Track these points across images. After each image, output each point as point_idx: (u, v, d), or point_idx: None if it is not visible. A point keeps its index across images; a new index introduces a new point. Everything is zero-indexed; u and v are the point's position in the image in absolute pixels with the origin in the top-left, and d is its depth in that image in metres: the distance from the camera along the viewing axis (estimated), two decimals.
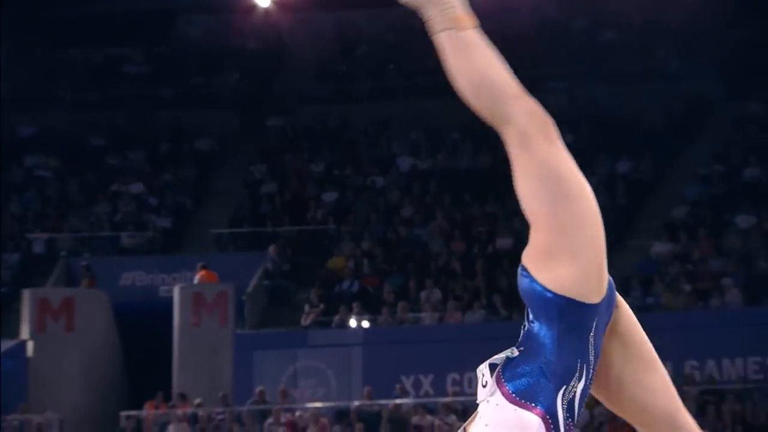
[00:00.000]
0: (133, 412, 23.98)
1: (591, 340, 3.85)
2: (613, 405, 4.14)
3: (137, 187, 29.28)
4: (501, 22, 29.34)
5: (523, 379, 3.83)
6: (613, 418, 22.45)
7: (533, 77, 29.28)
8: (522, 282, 3.96)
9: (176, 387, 24.59)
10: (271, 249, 26.76)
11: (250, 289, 25.96)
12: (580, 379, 3.81)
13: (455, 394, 23.93)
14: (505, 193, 27.60)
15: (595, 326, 3.87)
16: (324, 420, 23.33)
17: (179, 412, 23.78)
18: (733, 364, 22.96)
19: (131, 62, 32.02)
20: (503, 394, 3.80)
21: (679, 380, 22.89)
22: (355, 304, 25.29)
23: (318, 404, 24.06)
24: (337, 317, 25.28)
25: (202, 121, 30.16)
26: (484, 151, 28.91)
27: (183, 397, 24.17)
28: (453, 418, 23.21)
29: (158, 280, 27.11)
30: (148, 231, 28.37)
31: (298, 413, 23.63)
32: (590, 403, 18.36)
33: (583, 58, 29.39)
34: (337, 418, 23.51)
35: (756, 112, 27.51)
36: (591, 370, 3.85)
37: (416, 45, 30.27)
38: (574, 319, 3.84)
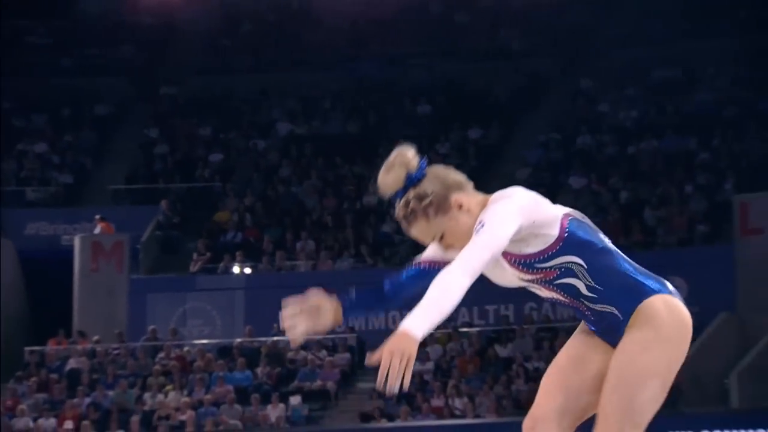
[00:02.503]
0: (36, 348, 23.73)
1: None
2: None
3: (41, 147, 28.83)
4: (368, 5, 29.39)
5: None
6: (462, 353, 22.75)
7: (397, 54, 29.45)
8: None
9: (76, 326, 24.39)
10: (163, 203, 26.60)
11: (144, 239, 25.79)
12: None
13: (326, 332, 24.01)
14: (372, 156, 27.70)
15: None
16: (209, 355, 23.30)
17: (79, 347, 23.61)
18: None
19: (35, 34, 31.42)
20: None
21: (519, 320, 23.24)
22: (238, 253, 25.27)
23: (204, 341, 24.03)
24: (222, 264, 25.24)
25: (100, 88, 29.80)
26: (353, 118, 28.98)
27: (82, 335, 23.99)
28: (324, 353, 23.34)
29: (60, 230, 26.79)
30: (51, 186, 27.99)
31: (186, 349, 23.58)
32: (442, 339, 18.73)
33: (439, 38, 29.54)
34: (221, 353, 23.49)
35: (587, 87, 27.89)
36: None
37: (293, 24, 30.21)
38: None
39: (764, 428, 18.71)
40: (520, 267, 4.34)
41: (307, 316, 4.43)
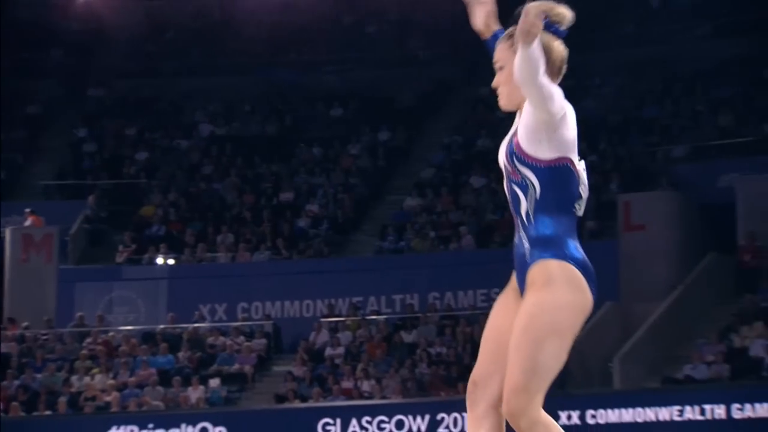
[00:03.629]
0: None
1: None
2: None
3: None
4: (285, 16, 29.33)
5: None
6: (370, 339, 22.81)
7: (312, 61, 29.41)
8: None
9: (7, 313, 24.03)
10: (91, 198, 26.33)
11: (72, 231, 25.51)
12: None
13: (244, 319, 23.97)
14: (288, 156, 27.65)
15: None
16: (134, 340, 23.14)
17: (9, 333, 23.29)
18: (465, 295, 23.52)
19: None
20: None
21: (424, 308, 23.35)
22: (162, 245, 25.08)
23: (129, 327, 23.83)
24: (146, 256, 25.04)
25: (31, 89, 29.39)
26: (271, 120, 28.90)
27: (12, 321, 23.67)
28: (242, 338, 23.27)
29: None
30: None
31: (112, 334, 23.38)
32: (352, 326, 18.76)
33: (350, 47, 29.57)
34: (145, 339, 23.33)
35: (486, 94, 28.08)
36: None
37: (215, 31, 30.03)
38: None
39: (642, 407, 19.01)
40: (508, 149, 4.45)
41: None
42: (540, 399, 4.29)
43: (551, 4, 4.46)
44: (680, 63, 26.02)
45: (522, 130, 4.38)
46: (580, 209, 4.46)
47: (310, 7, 29.07)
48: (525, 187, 4.39)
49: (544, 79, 4.32)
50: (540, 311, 4.27)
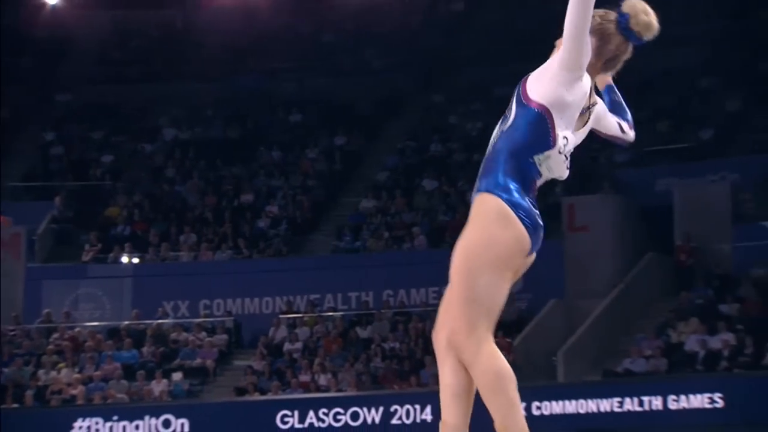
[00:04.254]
0: None
1: None
2: None
3: None
4: (245, 25, 29.27)
5: None
6: (327, 334, 22.80)
7: (271, 69, 29.37)
8: None
9: None
10: (57, 199, 26.15)
11: (40, 231, 25.30)
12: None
13: (206, 316, 23.90)
14: (249, 159, 27.58)
15: None
16: (99, 336, 23.00)
17: None
18: (418, 292, 23.57)
19: None
20: None
21: (378, 305, 23.38)
22: (126, 245, 24.95)
23: (95, 323, 23.69)
24: (111, 255, 24.89)
25: (1, 95, 29.12)
26: (232, 125, 28.83)
27: None
28: (204, 334, 23.20)
29: None
30: None
31: (78, 330, 23.23)
32: (310, 321, 18.74)
33: (309, 55, 29.55)
34: (110, 334, 23.20)
35: (438, 101, 28.18)
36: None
37: (178, 40, 29.92)
38: None
39: (584, 399, 19.15)
40: (520, 82, 4.48)
41: None
42: (482, 332, 4.22)
43: (641, 8, 4.36)
44: (626, 73, 26.18)
45: (536, 70, 4.41)
46: (542, 168, 4.38)
47: (269, 18, 29.03)
48: (506, 118, 4.41)
49: (583, 44, 4.25)
50: (471, 246, 4.28)
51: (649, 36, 4.39)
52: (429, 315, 22.74)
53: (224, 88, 28.95)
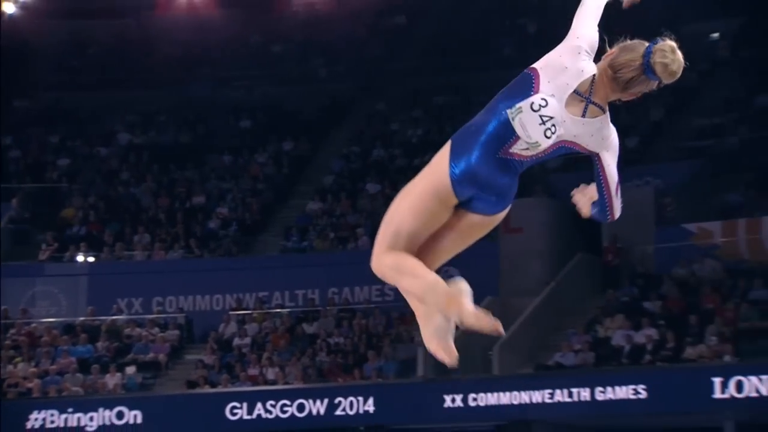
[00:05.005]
0: None
1: None
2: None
3: None
4: (197, 35, 29.12)
5: None
6: (275, 330, 22.74)
7: (222, 77, 29.24)
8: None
9: None
10: (15, 201, 25.84)
11: None
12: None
13: (159, 312, 23.73)
14: (200, 163, 27.44)
15: None
16: (55, 332, 22.75)
17: None
18: (361, 290, 23.57)
19: None
20: None
21: (323, 302, 23.35)
22: (82, 244, 24.71)
23: (51, 319, 23.43)
24: (67, 254, 24.65)
25: None
26: (184, 130, 28.66)
27: None
28: (156, 330, 23.04)
29: None
30: None
31: (34, 326, 22.96)
32: (258, 318, 18.66)
33: (258, 64, 29.46)
34: (66, 330, 22.96)
35: (381, 109, 28.23)
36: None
37: (133, 48, 29.68)
38: None
39: (518, 390, 19.27)
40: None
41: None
42: (384, 248, 4.25)
43: (670, 50, 4.19)
44: None
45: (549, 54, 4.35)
46: (515, 123, 4.08)
47: (220, 28, 28.93)
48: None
49: (589, 27, 4.20)
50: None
51: (665, 77, 4.20)
52: (372, 312, 22.77)
53: (177, 95, 28.78)
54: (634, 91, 4.23)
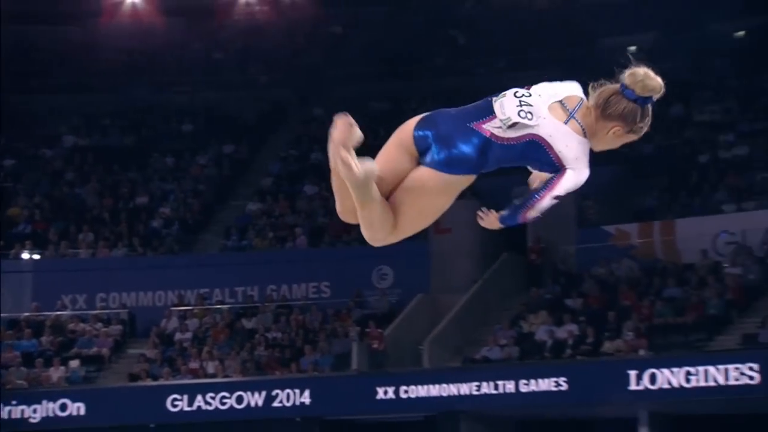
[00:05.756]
0: None
1: None
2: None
3: None
4: (141, 41, 28.84)
5: None
6: (215, 325, 22.58)
7: (165, 82, 28.97)
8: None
9: None
10: None
11: None
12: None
13: (102, 308, 23.46)
14: (143, 165, 27.17)
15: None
16: (0, 327, 22.39)
17: None
18: (299, 287, 23.52)
19: None
20: None
21: (262, 299, 23.25)
22: (27, 242, 24.32)
23: None
24: (13, 251, 24.25)
25: None
26: (128, 133, 28.37)
27: None
28: (100, 325, 22.77)
29: None
30: None
31: None
32: (199, 314, 18.53)
33: (200, 70, 29.26)
34: (10, 325, 22.58)
35: (318, 114, 28.19)
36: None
37: (78, 53, 29.29)
38: None
39: (447, 383, 19.37)
40: None
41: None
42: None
43: (641, 77, 4.10)
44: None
45: None
46: (496, 104, 4.09)
47: (163, 35, 28.69)
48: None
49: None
50: None
51: (638, 89, 4.10)
52: (309, 308, 22.73)
53: (121, 100, 28.48)
54: (614, 113, 4.09)
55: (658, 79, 4.17)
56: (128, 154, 27.15)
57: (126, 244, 24.57)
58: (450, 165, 4.11)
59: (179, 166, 27.13)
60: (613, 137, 4.13)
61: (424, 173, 4.14)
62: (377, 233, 4.28)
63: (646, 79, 4.14)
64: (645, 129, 4.13)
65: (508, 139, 4.09)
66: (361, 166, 4.09)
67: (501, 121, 4.07)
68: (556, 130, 4.08)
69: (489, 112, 4.10)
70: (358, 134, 4.19)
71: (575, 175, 4.26)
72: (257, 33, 29.13)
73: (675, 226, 21.50)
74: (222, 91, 28.60)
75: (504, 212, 4.28)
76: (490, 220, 4.38)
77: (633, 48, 26.96)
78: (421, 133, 4.14)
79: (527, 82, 4.28)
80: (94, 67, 28.68)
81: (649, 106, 4.12)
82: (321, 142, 27.26)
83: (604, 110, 4.09)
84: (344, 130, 4.13)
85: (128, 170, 26.81)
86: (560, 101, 4.10)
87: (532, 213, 4.31)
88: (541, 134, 4.09)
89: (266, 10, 29.47)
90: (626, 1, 26.51)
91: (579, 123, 4.11)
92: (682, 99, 24.29)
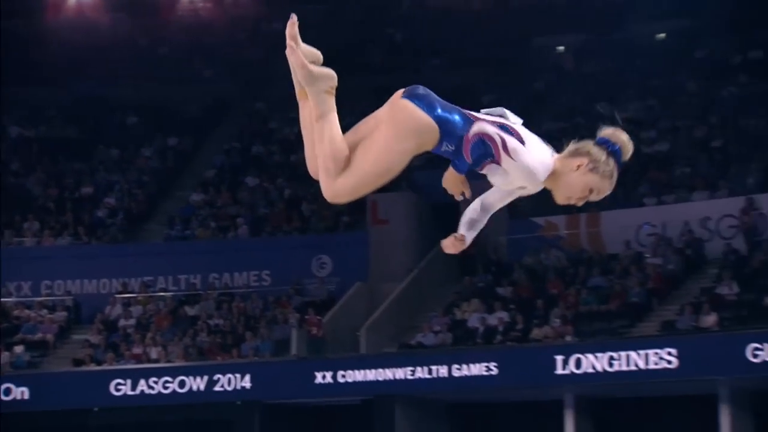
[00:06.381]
0: None
1: None
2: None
3: None
4: (87, 35, 28.44)
5: None
6: (158, 312, 22.38)
7: (111, 76, 28.60)
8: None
9: None
10: None
11: None
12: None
13: (47, 295, 23.12)
14: (88, 156, 26.81)
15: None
16: None
17: None
18: (240, 275, 23.41)
19: None
20: None
21: (205, 287, 23.10)
22: None
23: None
24: None
25: None
26: (74, 125, 27.98)
27: None
28: (45, 311, 22.46)
29: None
30: None
31: None
32: (143, 301, 18.37)
33: (145, 64, 28.92)
34: None
35: (261, 108, 28.03)
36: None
37: (25, 46, 28.79)
38: None
39: (383, 368, 19.43)
40: None
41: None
42: None
43: (620, 134, 4.01)
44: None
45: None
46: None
47: (109, 30, 28.33)
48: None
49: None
50: None
51: (614, 138, 4.02)
52: (250, 296, 22.63)
53: (67, 93, 28.07)
54: (582, 149, 3.99)
55: (632, 147, 4.06)
56: (73, 146, 26.79)
57: (71, 233, 24.25)
58: (430, 106, 3.95)
59: (124, 157, 26.83)
60: (577, 175, 3.93)
61: (400, 102, 3.97)
62: (334, 167, 4.01)
63: (624, 137, 4.05)
64: (609, 183, 3.94)
65: (482, 128, 3.95)
66: (317, 68, 4.04)
67: (490, 112, 4.03)
68: (527, 144, 3.94)
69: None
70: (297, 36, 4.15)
71: (501, 191, 4.10)
72: (201, 29, 28.88)
73: (600, 219, 21.76)
74: (166, 85, 28.32)
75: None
76: (457, 244, 4.16)
77: (562, 48, 27.26)
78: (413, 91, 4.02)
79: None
80: (41, 60, 28.21)
81: (616, 165, 3.96)
82: (263, 135, 27.16)
83: (574, 150, 3.99)
84: (291, 26, 4.14)
85: (74, 161, 26.45)
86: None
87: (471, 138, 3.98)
88: (513, 133, 3.99)
89: (209, 6, 29.24)
90: (557, 2, 26.75)
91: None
92: (607, 97, 24.59)
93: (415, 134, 3.96)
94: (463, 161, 4.02)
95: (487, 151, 3.93)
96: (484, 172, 4.05)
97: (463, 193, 4.16)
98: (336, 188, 4.06)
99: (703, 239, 20.66)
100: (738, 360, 17.26)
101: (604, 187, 3.96)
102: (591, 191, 3.96)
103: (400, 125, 3.95)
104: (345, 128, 4.30)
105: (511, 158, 3.94)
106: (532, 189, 4.01)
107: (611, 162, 3.98)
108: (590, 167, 3.96)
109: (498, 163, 3.96)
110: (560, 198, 3.99)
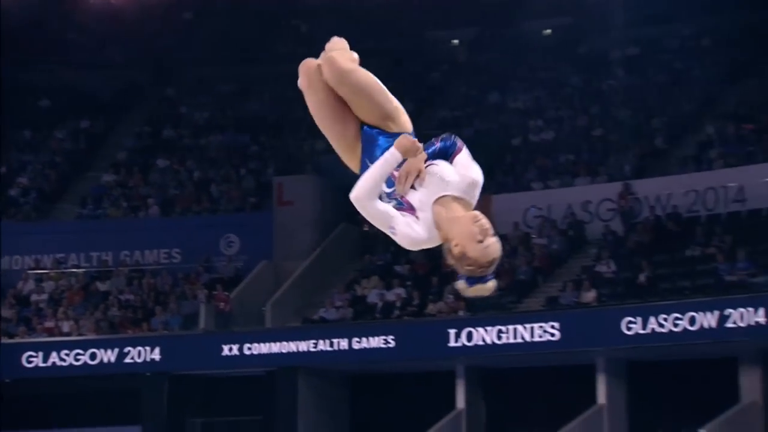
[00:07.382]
0: None
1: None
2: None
3: None
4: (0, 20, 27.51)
5: None
6: (71, 288, 21.89)
7: (25, 61, 27.72)
8: None
9: None
10: None
11: None
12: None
13: None
14: (1, 137, 25.98)
15: None
16: None
17: None
18: (151, 253, 23.05)
19: None
20: None
21: (116, 263, 22.67)
22: None
23: None
24: None
25: None
26: None
27: None
28: None
29: None
30: None
31: None
32: (55, 276, 17.93)
33: (56, 49, 28.09)
34: None
35: (171, 93, 27.58)
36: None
37: None
38: None
39: (287, 341, 19.41)
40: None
41: None
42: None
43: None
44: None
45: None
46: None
47: (21, 13, 27.49)
48: None
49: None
50: None
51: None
52: (160, 272, 22.30)
53: None
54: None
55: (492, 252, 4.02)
56: None
57: None
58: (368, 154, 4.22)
59: (36, 138, 26.11)
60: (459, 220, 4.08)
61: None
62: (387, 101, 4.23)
63: (484, 259, 4.07)
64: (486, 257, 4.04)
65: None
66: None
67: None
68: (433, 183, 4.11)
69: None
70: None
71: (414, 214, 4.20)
72: (113, 16, 28.22)
73: (491, 202, 22.04)
74: (79, 70, 27.63)
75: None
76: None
77: (456, 41, 27.46)
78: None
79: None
80: None
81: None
82: (173, 119, 26.72)
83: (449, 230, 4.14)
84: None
85: None
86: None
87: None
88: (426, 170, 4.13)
89: None
90: None
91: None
92: (498, 88, 24.88)
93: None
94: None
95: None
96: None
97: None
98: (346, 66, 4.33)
99: (585, 221, 21.10)
100: (614, 333, 17.71)
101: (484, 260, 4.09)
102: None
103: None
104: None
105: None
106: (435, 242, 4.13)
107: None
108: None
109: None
110: (444, 228, 4.15)
